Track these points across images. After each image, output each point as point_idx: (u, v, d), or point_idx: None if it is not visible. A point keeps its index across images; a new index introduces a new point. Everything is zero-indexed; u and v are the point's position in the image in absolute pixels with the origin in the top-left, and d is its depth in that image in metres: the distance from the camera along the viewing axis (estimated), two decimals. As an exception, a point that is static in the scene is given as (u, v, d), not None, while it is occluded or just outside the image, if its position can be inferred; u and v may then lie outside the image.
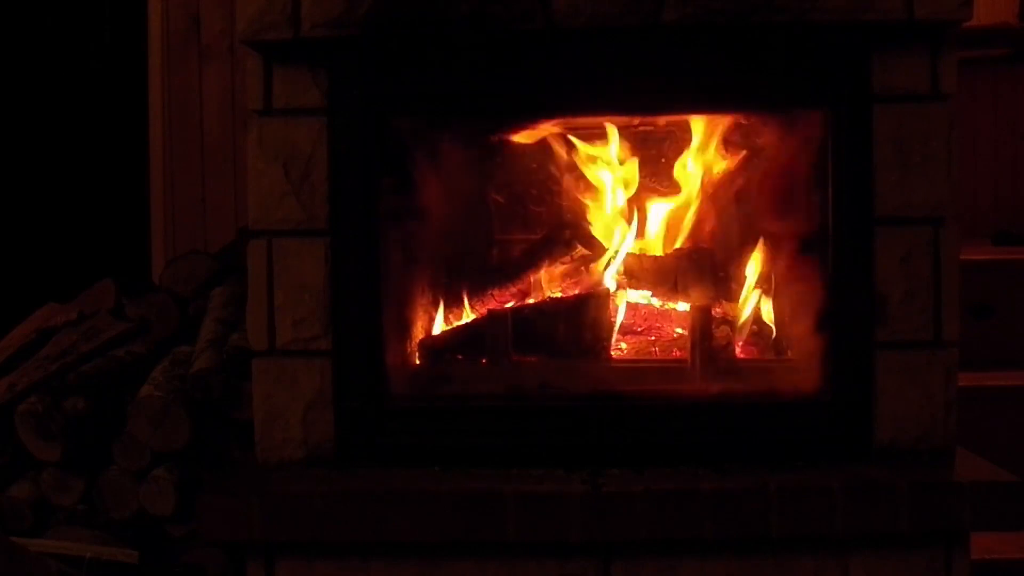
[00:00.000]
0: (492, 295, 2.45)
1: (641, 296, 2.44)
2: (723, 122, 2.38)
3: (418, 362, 2.32)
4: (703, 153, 2.42)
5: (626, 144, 2.44)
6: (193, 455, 2.38)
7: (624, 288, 2.42)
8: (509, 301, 2.45)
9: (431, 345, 2.35)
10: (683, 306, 2.39)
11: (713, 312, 2.31)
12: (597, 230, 2.47)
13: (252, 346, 2.16)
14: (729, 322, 2.37)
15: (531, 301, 2.43)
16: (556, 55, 2.12)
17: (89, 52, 3.78)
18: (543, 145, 2.50)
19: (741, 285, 2.37)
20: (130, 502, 2.37)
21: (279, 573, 2.04)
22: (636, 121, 2.40)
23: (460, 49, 2.12)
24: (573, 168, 2.49)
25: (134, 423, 2.36)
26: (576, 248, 2.43)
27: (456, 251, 2.49)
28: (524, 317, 2.33)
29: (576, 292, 2.42)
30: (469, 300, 2.45)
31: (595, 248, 2.43)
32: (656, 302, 2.44)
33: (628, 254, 2.44)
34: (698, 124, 2.39)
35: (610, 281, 2.41)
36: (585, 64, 2.12)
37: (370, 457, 2.14)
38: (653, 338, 2.42)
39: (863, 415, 2.10)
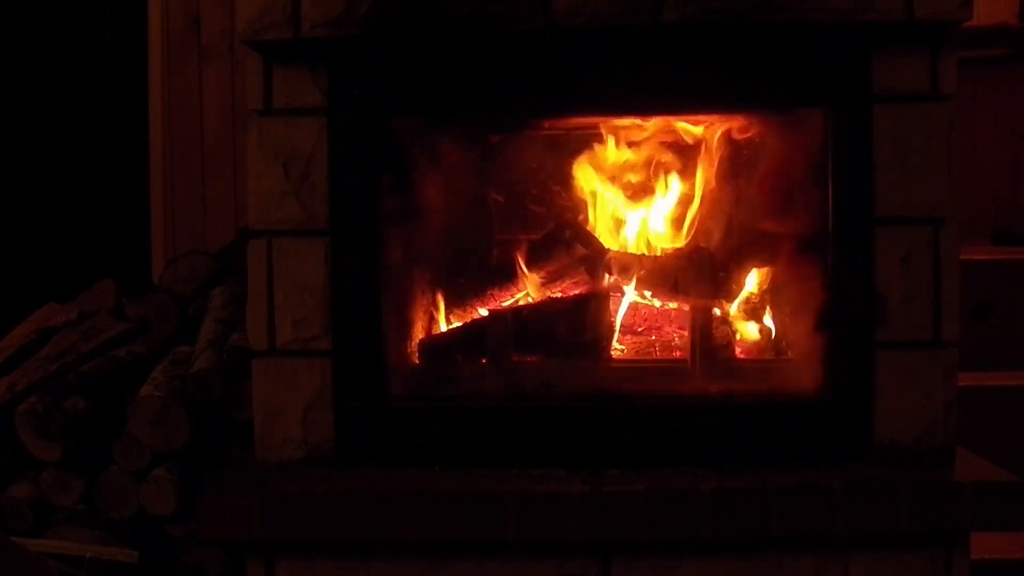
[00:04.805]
0: (492, 295, 2.45)
1: (641, 296, 2.44)
2: (723, 122, 2.38)
3: (418, 362, 2.31)
4: (703, 153, 2.42)
5: (626, 144, 2.44)
6: (193, 455, 2.38)
7: (624, 288, 2.42)
8: (509, 301, 2.45)
9: (431, 345, 2.35)
10: (683, 306, 2.39)
11: (713, 312, 2.31)
12: (597, 230, 2.48)
13: (252, 346, 2.16)
14: (729, 322, 2.37)
15: (531, 301, 2.43)
16: (556, 55, 2.11)
17: (89, 52, 3.78)
18: (543, 145, 2.50)
19: (741, 285, 2.37)
20: (130, 502, 2.37)
21: (279, 573, 2.04)
22: (636, 121, 2.39)
23: (460, 49, 2.12)
24: (573, 168, 2.49)
25: (134, 423, 2.36)
26: (576, 248, 2.43)
27: (456, 251, 2.49)
28: (524, 317, 2.33)
29: (576, 292, 2.42)
30: (469, 300, 2.45)
31: (595, 248, 2.43)
32: (656, 302, 2.44)
33: (628, 254, 2.44)
34: (698, 124, 2.39)
35: (610, 281, 2.41)
36: (585, 64, 2.12)
37: (370, 457, 2.14)
38: (653, 338, 2.42)
39: (863, 415, 2.10)
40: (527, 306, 2.40)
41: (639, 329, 2.44)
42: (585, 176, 2.48)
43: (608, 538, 1.99)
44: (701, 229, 2.47)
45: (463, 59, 2.13)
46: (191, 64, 3.55)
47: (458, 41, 2.10)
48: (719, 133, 2.40)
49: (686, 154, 2.45)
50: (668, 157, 2.46)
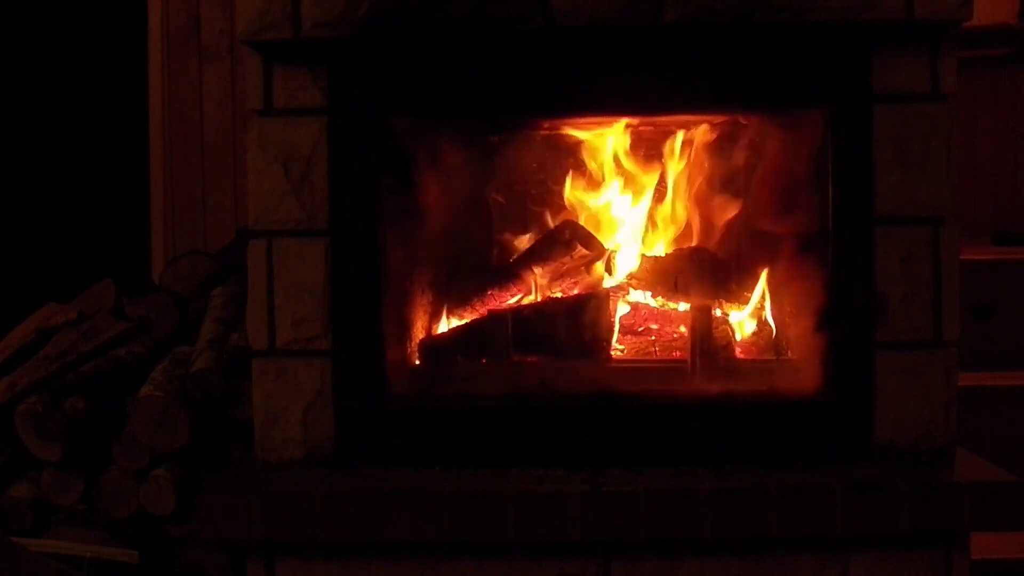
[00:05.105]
0: (492, 295, 2.45)
1: (641, 296, 2.44)
2: (723, 122, 2.38)
3: (418, 362, 2.31)
4: (702, 153, 2.42)
5: (626, 144, 2.44)
6: (193, 455, 2.38)
7: (624, 288, 2.42)
8: (509, 301, 2.45)
9: (431, 345, 2.35)
10: (683, 306, 2.39)
11: (713, 312, 2.31)
12: (597, 230, 2.48)
13: (252, 346, 2.16)
14: (729, 322, 2.37)
15: (531, 301, 2.43)
16: (556, 55, 2.11)
17: (89, 52, 3.78)
18: (543, 145, 2.50)
19: (741, 285, 2.37)
20: (130, 502, 2.36)
21: (279, 573, 2.04)
22: (636, 121, 2.39)
23: (460, 49, 2.12)
24: (573, 168, 2.50)
25: (134, 423, 2.36)
26: (576, 248, 2.43)
27: (456, 251, 2.49)
28: (524, 317, 2.33)
29: (576, 292, 2.42)
30: (469, 300, 2.45)
31: (595, 248, 2.43)
32: (656, 302, 2.44)
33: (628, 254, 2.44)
34: (698, 124, 2.39)
35: (610, 281, 2.41)
36: (585, 64, 2.12)
37: (370, 457, 2.14)
38: (653, 338, 2.42)
39: (863, 415, 2.10)
40: (527, 306, 2.40)
41: (639, 329, 2.44)
42: (585, 176, 2.49)
43: (608, 538, 1.99)
44: (701, 229, 2.47)
45: (463, 59, 2.13)
46: (191, 64, 3.54)
47: (458, 41, 2.10)
48: (718, 133, 2.40)
49: (685, 154, 2.45)
50: (667, 157, 2.46)
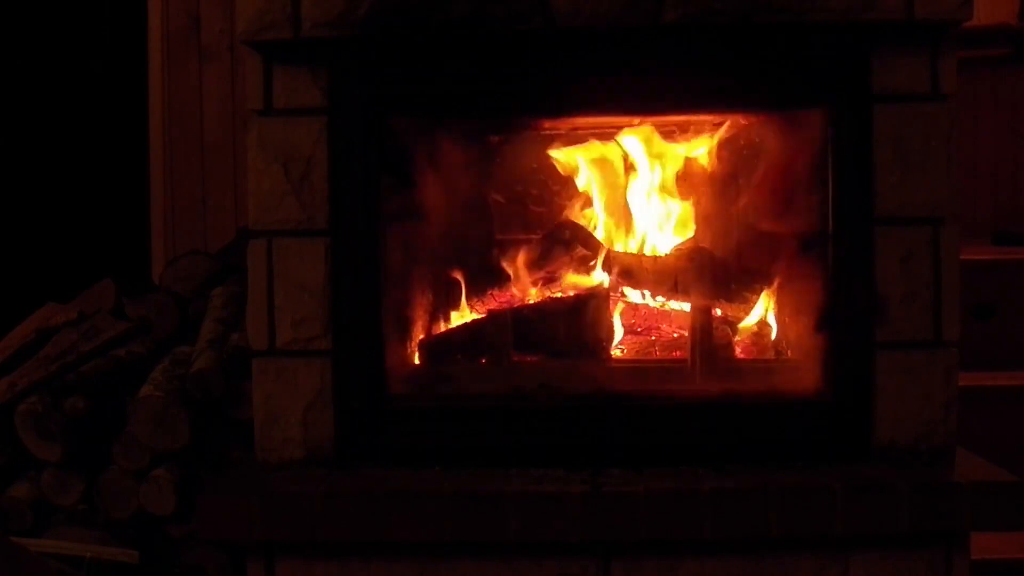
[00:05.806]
0: (492, 295, 2.45)
1: (641, 296, 2.44)
2: (723, 122, 2.38)
3: (418, 362, 2.31)
4: (702, 153, 2.42)
5: (625, 144, 2.44)
6: (193, 455, 2.38)
7: (624, 288, 2.42)
8: (509, 301, 2.45)
9: (431, 345, 2.35)
10: (683, 306, 2.39)
11: (713, 312, 2.31)
12: (597, 230, 2.48)
13: (252, 346, 2.16)
14: (729, 322, 2.37)
15: (531, 301, 2.43)
16: (556, 55, 2.11)
17: (89, 52, 3.78)
18: (543, 145, 2.50)
19: (741, 285, 2.37)
20: (130, 502, 2.36)
21: (279, 573, 2.04)
22: (636, 121, 2.39)
23: (460, 49, 2.12)
24: (573, 168, 2.50)
25: (134, 423, 2.36)
26: (576, 248, 2.43)
27: (456, 251, 2.49)
28: (524, 317, 2.33)
29: (576, 292, 2.42)
30: (469, 300, 2.45)
31: (595, 248, 2.43)
32: (656, 302, 2.44)
33: (628, 254, 2.43)
34: (698, 124, 2.39)
35: (610, 281, 2.41)
36: (585, 64, 2.12)
37: (370, 457, 2.14)
38: (653, 338, 2.42)
39: (863, 415, 2.10)
40: (527, 306, 2.40)
41: (639, 329, 2.44)
42: (584, 175, 2.49)
43: (608, 538, 1.99)
44: (701, 229, 2.47)
45: (463, 59, 2.13)
46: (191, 64, 3.54)
47: (458, 41, 2.10)
48: (719, 133, 2.40)
49: (686, 153, 2.45)
50: (667, 156, 2.46)
